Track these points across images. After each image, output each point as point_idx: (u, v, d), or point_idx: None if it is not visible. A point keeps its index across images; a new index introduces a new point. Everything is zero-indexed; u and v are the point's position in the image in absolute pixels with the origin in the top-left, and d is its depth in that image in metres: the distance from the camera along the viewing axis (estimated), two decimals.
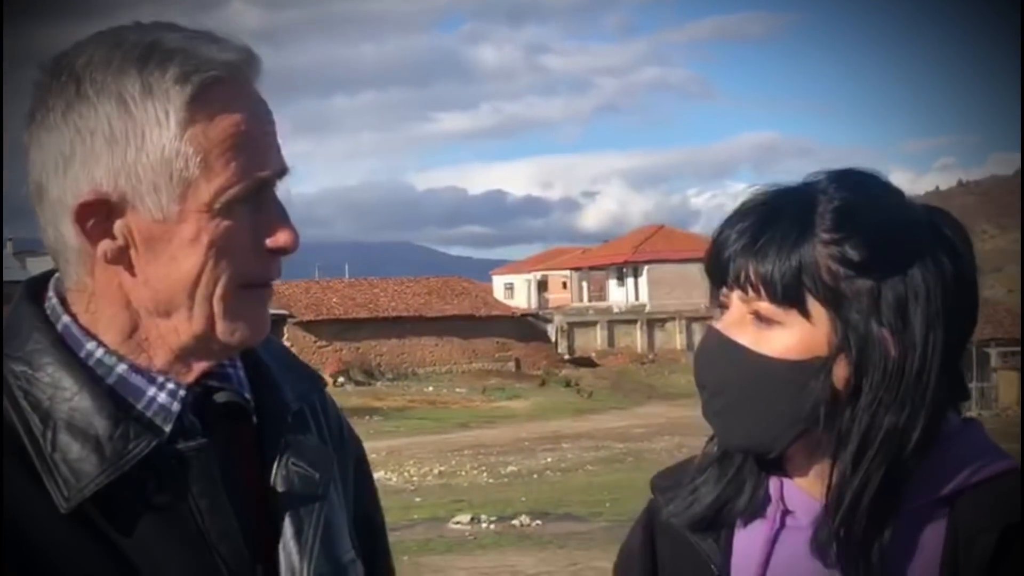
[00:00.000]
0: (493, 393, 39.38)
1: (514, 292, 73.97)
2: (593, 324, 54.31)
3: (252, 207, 1.19)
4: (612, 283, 67.40)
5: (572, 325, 53.40)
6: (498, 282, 76.78)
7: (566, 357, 50.45)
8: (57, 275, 1.25)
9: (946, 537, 1.26)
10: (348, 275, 55.94)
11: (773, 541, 1.34)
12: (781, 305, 1.25)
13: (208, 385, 1.25)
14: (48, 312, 1.23)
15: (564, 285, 74.36)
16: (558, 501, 16.97)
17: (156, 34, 1.18)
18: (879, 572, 1.25)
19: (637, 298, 62.56)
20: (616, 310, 59.39)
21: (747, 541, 1.36)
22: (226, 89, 1.18)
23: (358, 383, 41.45)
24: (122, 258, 1.18)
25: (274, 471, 1.26)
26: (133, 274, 1.18)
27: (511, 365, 47.18)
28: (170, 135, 1.15)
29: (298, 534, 1.25)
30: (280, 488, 1.26)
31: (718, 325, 1.31)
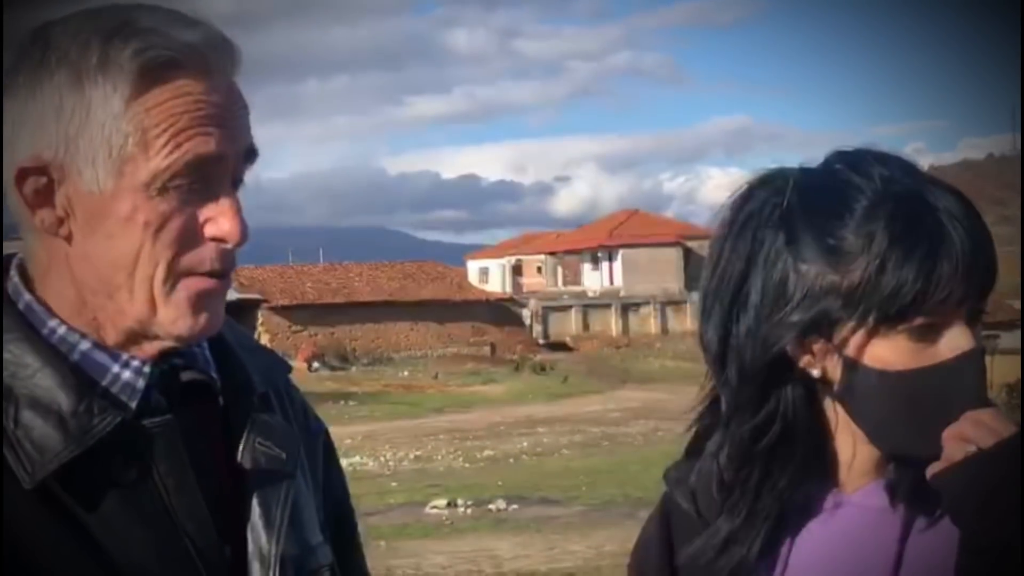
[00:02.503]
0: (468, 378, 39.38)
1: (488, 277, 73.94)
2: (568, 309, 54.37)
3: (195, 193, 1.17)
4: (586, 267, 67.46)
5: (547, 310, 53.45)
6: (473, 267, 76.71)
7: (541, 342, 50.53)
8: (20, 255, 1.25)
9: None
10: (322, 260, 55.76)
11: (796, 531, 1.33)
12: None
13: (174, 364, 1.23)
14: (10, 291, 1.22)
15: (539, 270, 74.38)
16: (534, 485, 17.01)
17: (134, 13, 1.18)
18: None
19: (612, 282, 62.66)
20: (591, 294, 59.48)
21: (766, 531, 1.33)
22: (182, 71, 1.16)
23: (333, 368, 41.38)
24: (60, 229, 1.17)
25: (240, 451, 1.25)
26: (72, 246, 1.17)
27: (486, 350, 47.22)
28: (113, 110, 1.14)
29: (266, 514, 1.24)
30: (247, 467, 1.25)
31: (969, 343, 1.26)
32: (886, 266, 1.21)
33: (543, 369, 42.04)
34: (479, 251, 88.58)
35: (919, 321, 1.22)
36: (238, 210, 1.19)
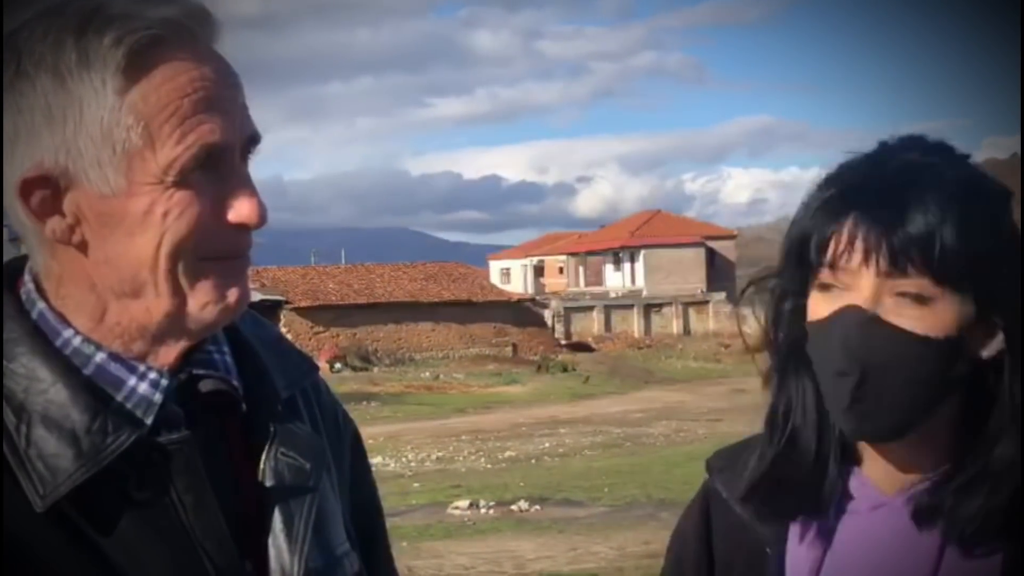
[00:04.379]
0: (490, 379, 39.39)
1: (511, 277, 73.95)
2: (590, 309, 54.32)
3: (210, 177, 1.13)
4: (609, 268, 67.37)
5: (569, 310, 53.40)
6: (495, 267, 76.75)
7: (563, 342, 50.47)
8: (32, 261, 1.20)
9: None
10: (344, 261, 55.89)
11: (833, 528, 1.31)
12: (936, 282, 1.21)
13: (193, 373, 1.19)
14: (24, 299, 1.18)
15: (561, 270, 74.34)
16: (557, 486, 16.97)
17: (100, 1, 1.11)
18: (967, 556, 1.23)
19: (634, 283, 62.56)
20: (613, 295, 59.39)
21: (803, 527, 1.33)
22: (167, 50, 1.11)
23: (355, 369, 41.41)
24: (73, 237, 1.13)
25: (263, 462, 1.21)
26: (89, 255, 1.13)
27: (508, 350, 47.18)
28: (108, 104, 1.10)
29: (288, 528, 1.20)
30: (269, 480, 1.21)
31: (861, 304, 1.23)
32: (806, 214, 1.27)
33: (565, 370, 41.99)
34: (501, 252, 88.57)
35: (824, 276, 1.25)
36: (254, 191, 1.16)
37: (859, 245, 1.22)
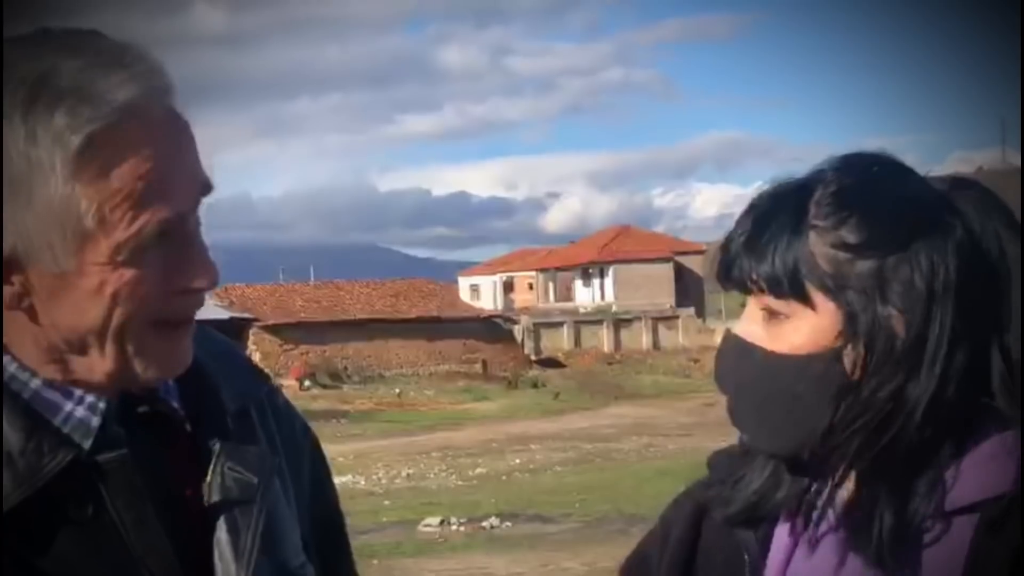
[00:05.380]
0: (460, 395, 39.32)
1: (480, 293, 73.90)
2: (560, 325, 54.34)
3: (162, 250, 1.11)
4: (578, 283, 67.48)
5: (538, 326, 53.41)
6: (464, 283, 76.65)
7: (533, 358, 50.46)
8: None
9: (968, 554, 1.20)
10: (313, 278, 55.72)
11: (796, 540, 1.31)
12: (784, 298, 1.23)
13: (134, 396, 1.18)
14: None
15: (530, 286, 74.35)
16: (528, 502, 16.96)
17: (48, 63, 1.07)
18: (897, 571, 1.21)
19: (603, 298, 62.68)
20: (582, 310, 59.46)
21: (782, 535, 1.33)
22: (123, 134, 1.07)
23: (325, 386, 41.28)
24: (21, 304, 1.11)
25: (208, 477, 1.20)
26: (38, 321, 1.12)
27: (478, 367, 47.15)
28: (59, 189, 1.06)
29: (234, 543, 1.19)
30: (215, 495, 1.20)
31: (735, 328, 1.29)
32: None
33: (535, 385, 41.98)
34: (471, 268, 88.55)
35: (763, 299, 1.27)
36: (206, 254, 1.14)
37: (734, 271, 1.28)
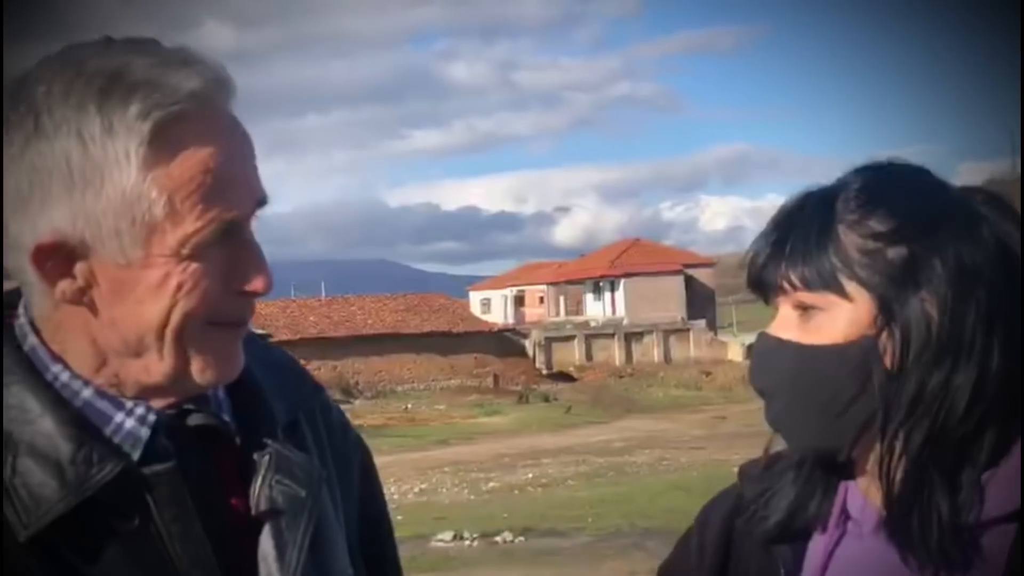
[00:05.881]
0: (471, 409, 39.30)
1: (491, 308, 73.91)
2: (571, 339, 54.29)
3: (223, 249, 1.13)
4: (589, 297, 67.41)
5: (549, 340, 53.38)
6: (475, 298, 76.73)
7: (544, 372, 50.42)
8: (26, 295, 1.20)
9: (1008, 559, 1.20)
10: (324, 293, 55.79)
11: (832, 549, 1.30)
12: (818, 291, 1.23)
13: (184, 408, 1.19)
14: (16, 331, 1.18)
15: (541, 300, 74.33)
16: (540, 516, 16.91)
17: (121, 59, 1.11)
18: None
19: (614, 312, 62.60)
20: (593, 324, 59.41)
21: (815, 548, 1.32)
22: (193, 124, 1.11)
23: (337, 402, 41.14)
24: (83, 298, 1.13)
25: (256, 491, 1.21)
26: (97, 315, 1.13)
27: (489, 381, 47.11)
28: (131, 177, 1.09)
29: (280, 556, 1.19)
30: (262, 508, 1.20)
31: (768, 329, 1.29)
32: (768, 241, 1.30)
33: (547, 399, 41.92)
34: (482, 282, 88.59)
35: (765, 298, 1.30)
36: (263, 260, 1.17)
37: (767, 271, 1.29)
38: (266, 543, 1.20)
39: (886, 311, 1.22)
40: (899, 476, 1.23)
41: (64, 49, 1.14)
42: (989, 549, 1.20)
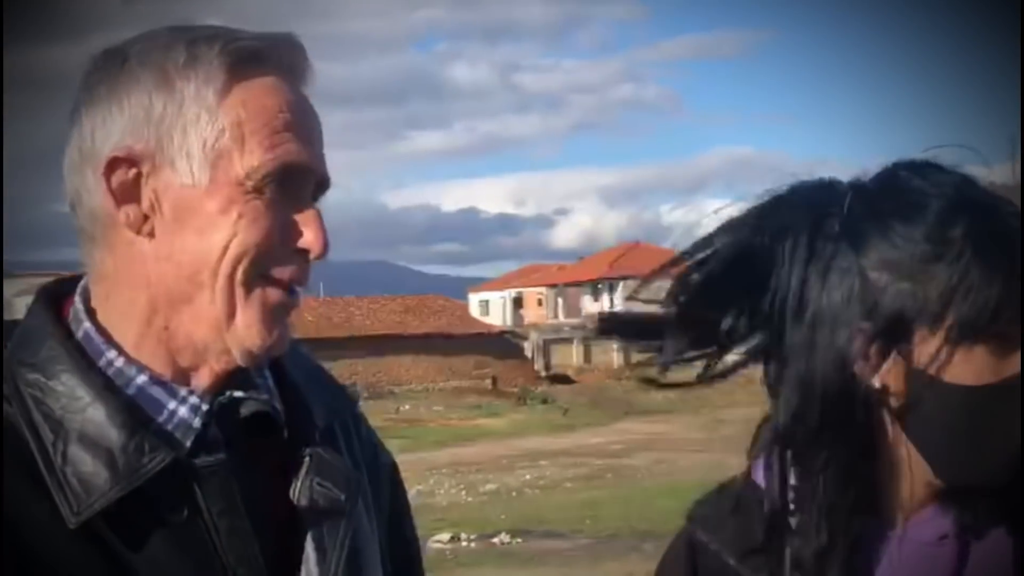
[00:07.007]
0: (470, 411, 39.28)
1: (490, 309, 73.90)
2: (569, 341, 54.29)
3: (286, 196, 1.15)
4: (588, 300, 67.44)
5: (548, 342, 53.37)
6: (474, 299, 76.72)
7: (543, 374, 50.40)
8: (85, 279, 1.21)
9: None
10: (323, 293, 55.78)
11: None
12: None
13: (234, 395, 1.19)
14: (71, 317, 1.19)
15: (540, 302, 74.33)
16: (538, 518, 16.91)
17: (212, 25, 1.20)
18: None
19: None
20: (592, 326, 59.29)
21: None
22: (271, 67, 1.17)
23: None
24: (145, 225, 1.14)
25: (297, 489, 1.20)
26: (156, 247, 1.14)
27: (488, 383, 47.09)
28: (207, 103, 1.14)
29: (322, 559, 1.19)
30: (304, 507, 1.20)
31: None
32: (971, 273, 1.16)
33: (545, 401, 41.90)
34: (481, 284, 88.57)
35: (998, 332, 1.16)
36: (323, 223, 1.18)
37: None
38: (307, 546, 1.19)
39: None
40: None
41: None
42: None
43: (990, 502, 1.21)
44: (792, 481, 1.25)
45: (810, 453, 1.22)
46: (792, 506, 1.24)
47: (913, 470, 1.23)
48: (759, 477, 1.30)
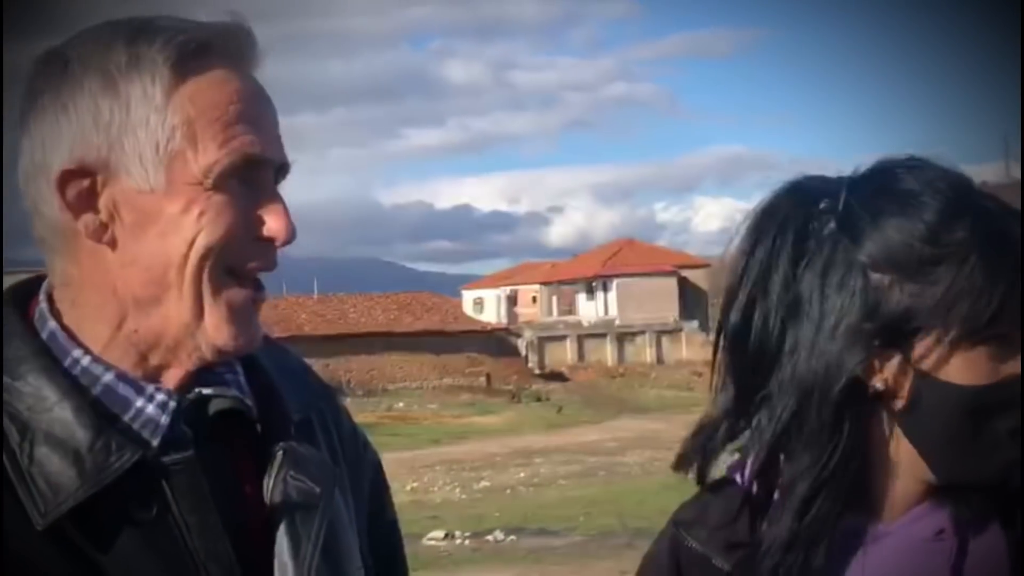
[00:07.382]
0: (463, 409, 39.29)
1: (484, 307, 73.86)
2: (563, 338, 54.32)
3: (246, 188, 1.15)
4: (582, 297, 67.44)
5: (542, 340, 53.38)
6: (468, 297, 76.64)
7: (537, 372, 50.41)
8: (48, 279, 1.20)
9: None
10: (317, 291, 55.74)
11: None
12: None
13: (203, 393, 1.19)
14: (36, 317, 1.18)
15: (534, 300, 74.31)
16: (532, 516, 16.92)
17: (150, 19, 1.16)
18: None
19: (607, 312, 62.62)
20: (586, 324, 59.42)
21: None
22: (218, 57, 1.14)
23: None
24: (106, 234, 1.13)
25: (271, 484, 1.20)
26: (119, 255, 1.13)
27: (482, 380, 47.10)
28: (155, 103, 1.12)
29: (295, 552, 1.18)
30: (277, 501, 1.19)
31: None
32: (974, 276, 1.15)
33: (539, 399, 41.93)
34: (475, 281, 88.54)
35: (999, 334, 1.16)
36: (286, 209, 1.17)
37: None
38: (281, 538, 1.19)
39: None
40: None
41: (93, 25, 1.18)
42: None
43: (984, 497, 1.22)
44: (780, 480, 1.25)
45: (804, 453, 1.22)
46: (779, 505, 1.24)
47: (908, 468, 1.23)
48: (745, 477, 1.30)
